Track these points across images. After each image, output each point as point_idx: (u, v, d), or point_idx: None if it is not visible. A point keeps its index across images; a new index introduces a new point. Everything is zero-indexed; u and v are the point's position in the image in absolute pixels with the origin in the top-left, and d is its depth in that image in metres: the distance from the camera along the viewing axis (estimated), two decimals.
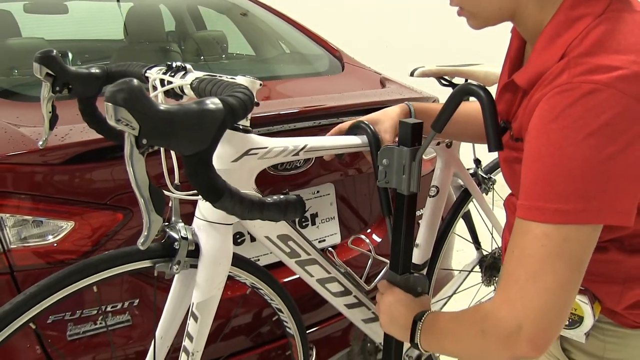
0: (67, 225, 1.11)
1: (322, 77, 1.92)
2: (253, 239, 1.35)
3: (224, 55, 2.36)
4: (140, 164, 0.60)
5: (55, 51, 0.96)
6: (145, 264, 0.92)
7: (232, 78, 0.81)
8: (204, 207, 0.93)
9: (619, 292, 0.83)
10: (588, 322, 0.84)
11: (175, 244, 0.91)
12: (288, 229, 1.03)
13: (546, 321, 0.69)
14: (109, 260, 0.89)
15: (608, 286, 0.83)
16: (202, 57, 2.32)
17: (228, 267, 0.95)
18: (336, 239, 1.48)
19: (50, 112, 1.00)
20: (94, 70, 1.00)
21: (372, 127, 1.04)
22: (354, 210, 1.54)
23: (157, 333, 1.00)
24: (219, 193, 0.66)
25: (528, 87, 0.76)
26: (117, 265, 0.89)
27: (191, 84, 0.82)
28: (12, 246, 1.08)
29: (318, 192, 1.45)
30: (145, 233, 0.63)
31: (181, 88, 0.86)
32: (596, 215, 0.67)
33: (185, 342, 0.96)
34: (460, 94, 0.83)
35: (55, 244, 1.11)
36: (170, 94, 0.92)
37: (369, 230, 1.53)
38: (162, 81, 0.89)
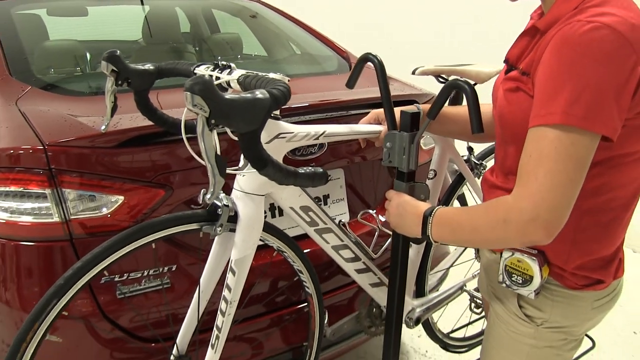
0: (118, 200, 1.30)
1: (331, 76, 2.11)
2: (282, 213, 1.55)
3: (239, 56, 2.55)
4: (209, 138, 0.79)
5: (119, 51, 1.15)
6: (194, 226, 1.11)
7: (266, 75, 1.00)
8: (241, 180, 1.12)
9: (567, 251, 0.98)
10: (536, 281, 0.98)
11: (218, 210, 1.10)
12: (309, 202, 1.22)
13: (559, 211, 0.84)
14: (165, 222, 1.08)
15: (559, 245, 0.95)
16: (219, 58, 2.51)
17: (260, 231, 1.15)
18: (345, 218, 1.67)
19: (112, 102, 1.19)
20: (148, 67, 1.19)
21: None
22: (361, 193, 1.73)
23: (200, 287, 1.19)
24: (265, 163, 0.85)
25: (545, 29, 0.92)
26: (171, 226, 1.08)
27: (238, 79, 1.00)
28: (72, 217, 1.27)
29: (329, 176, 1.63)
30: (212, 190, 0.82)
31: (228, 82, 1.04)
32: (595, 124, 0.82)
33: (225, 292, 1.16)
34: (449, 88, 1.05)
35: (108, 215, 1.29)
36: (218, 87, 1.11)
37: (374, 212, 1.71)
38: (210, 77, 1.08)
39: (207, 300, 1.22)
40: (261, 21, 2.76)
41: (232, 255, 1.14)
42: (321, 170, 0.92)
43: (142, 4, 2.40)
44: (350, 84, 1.33)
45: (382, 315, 1.57)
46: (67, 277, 1.02)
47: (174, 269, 1.37)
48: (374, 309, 1.56)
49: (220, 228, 1.11)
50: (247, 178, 1.13)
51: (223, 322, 1.18)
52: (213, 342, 1.19)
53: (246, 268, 1.16)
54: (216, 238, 1.18)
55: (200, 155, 0.83)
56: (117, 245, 1.04)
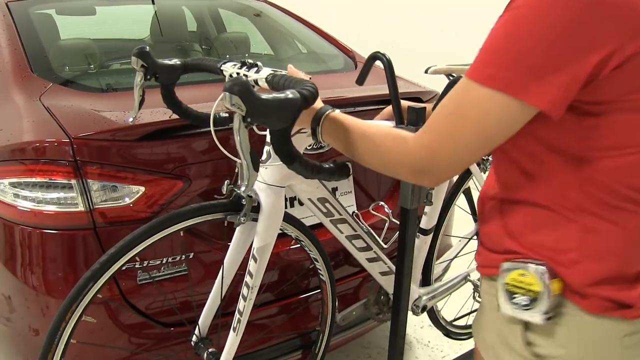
0: (139, 190, 1.36)
1: (338, 74, 2.18)
2: (301, 204, 1.62)
3: (247, 55, 2.61)
4: (244, 135, 0.86)
5: (148, 47, 1.21)
6: (219, 215, 1.18)
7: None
8: (264, 173, 1.19)
9: (576, 258, 0.82)
10: (544, 298, 0.82)
11: (242, 200, 1.17)
12: (326, 194, 1.30)
13: (451, 171, 0.81)
14: (193, 211, 1.15)
15: (565, 248, 0.83)
16: (227, 56, 2.58)
17: (280, 221, 1.22)
18: (353, 209, 1.73)
19: (140, 96, 1.26)
20: (175, 62, 1.25)
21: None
22: (367, 186, 1.80)
23: (220, 273, 1.26)
24: (294, 158, 0.92)
25: None
26: (199, 215, 1.15)
27: (266, 78, 1.04)
28: (95, 207, 1.34)
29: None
30: (246, 183, 0.89)
31: (256, 81, 1.08)
32: (522, 89, 0.72)
33: (247, 278, 1.23)
34: (454, 84, 1.11)
35: (130, 205, 1.36)
36: None
37: (381, 203, 1.78)
38: (238, 74, 1.12)
39: (228, 285, 1.29)
40: (267, 20, 2.82)
41: (255, 243, 1.21)
42: (343, 163, 0.99)
43: (153, 3, 2.46)
44: (360, 82, 1.40)
45: (390, 303, 1.64)
46: (103, 261, 1.09)
47: (191, 256, 1.44)
48: (382, 297, 1.63)
49: (244, 217, 1.18)
50: (269, 171, 1.20)
51: (245, 306, 1.25)
52: (235, 325, 1.27)
53: (267, 255, 1.23)
54: (238, 227, 1.25)
55: (231, 149, 0.89)
56: (149, 232, 1.11)
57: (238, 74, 1.13)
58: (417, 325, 2.50)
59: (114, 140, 1.34)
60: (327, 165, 0.98)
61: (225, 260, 1.28)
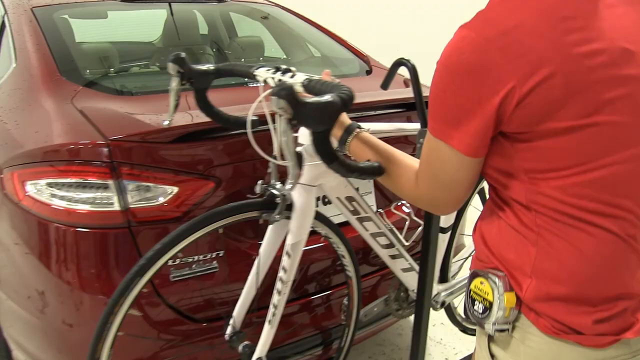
0: (173, 190, 1.41)
1: (355, 78, 2.23)
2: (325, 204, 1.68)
3: (261, 58, 2.66)
4: (289, 136, 0.91)
5: (184, 54, 1.26)
6: (255, 213, 1.23)
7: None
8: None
9: (526, 271, 0.85)
10: (494, 310, 0.85)
11: (276, 199, 1.22)
12: (353, 192, 1.35)
13: (453, 206, 0.90)
14: (231, 210, 1.21)
15: (518, 257, 0.86)
16: (242, 60, 2.63)
17: (312, 218, 1.27)
18: (374, 209, 1.79)
19: (176, 100, 1.31)
20: (208, 67, 1.31)
21: None
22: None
23: (254, 268, 1.31)
24: (333, 158, 0.97)
25: None
26: (236, 213, 1.21)
27: (302, 83, 1.08)
28: (130, 206, 1.39)
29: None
30: (292, 180, 0.94)
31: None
32: (448, 136, 0.81)
33: (281, 274, 1.28)
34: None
35: (163, 205, 1.41)
36: None
37: (399, 203, 1.83)
38: (273, 79, 1.17)
39: (261, 280, 1.34)
40: (278, 24, 2.87)
41: (288, 240, 1.26)
42: (377, 164, 1.04)
43: (170, 8, 2.51)
44: (385, 86, 1.46)
45: (409, 299, 1.69)
46: (149, 257, 1.14)
47: (221, 254, 1.49)
48: (402, 293, 1.68)
49: (278, 215, 1.23)
50: (303, 170, 1.26)
51: (279, 300, 1.30)
52: (270, 318, 1.32)
53: (299, 252, 1.28)
54: (271, 225, 1.30)
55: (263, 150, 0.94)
56: (192, 229, 1.17)
57: (273, 78, 1.18)
58: (430, 324, 2.54)
59: (149, 142, 1.39)
60: (362, 165, 1.03)
61: (259, 256, 1.33)
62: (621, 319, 0.83)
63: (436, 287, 1.71)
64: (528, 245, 0.84)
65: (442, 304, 1.70)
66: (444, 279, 1.78)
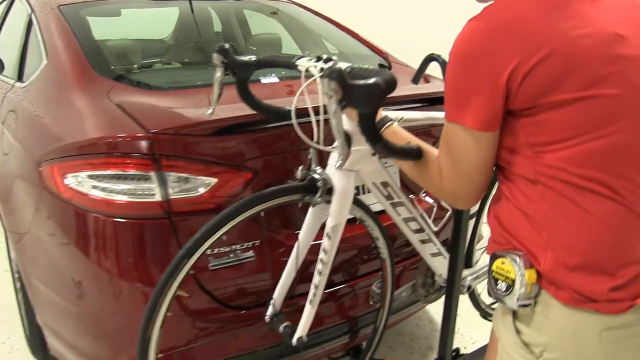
0: (212, 181, 1.46)
1: None
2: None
3: (280, 54, 2.70)
4: (340, 117, 0.97)
5: (228, 45, 1.30)
6: (297, 197, 1.28)
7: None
8: (336, 157, 1.28)
9: (542, 244, 0.92)
10: (517, 287, 0.91)
11: (317, 183, 1.27)
12: (387, 178, 1.41)
13: (476, 196, 0.98)
14: (274, 193, 1.26)
15: (532, 235, 0.93)
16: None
17: (351, 202, 1.32)
18: None
19: (220, 90, 1.35)
20: (249, 58, 1.35)
21: None
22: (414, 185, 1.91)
23: (294, 251, 1.37)
24: (378, 139, 1.03)
25: None
26: (281, 196, 1.26)
27: (346, 70, 1.11)
28: (171, 197, 1.43)
29: (386, 162, 1.80)
30: (342, 157, 0.99)
31: None
32: (461, 117, 0.90)
33: (321, 255, 1.33)
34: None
35: (202, 196, 1.45)
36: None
37: (424, 194, 1.88)
38: (315, 67, 1.20)
39: (301, 262, 1.39)
40: (294, 21, 2.90)
41: (328, 222, 1.31)
42: (417, 147, 1.08)
43: (191, 5, 2.54)
44: (416, 81, 1.50)
45: (435, 285, 1.75)
46: (196, 239, 1.19)
47: (257, 243, 1.53)
48: (429, 279, 1.73)
49: (320, 198, 1.28)
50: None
51: (319, 280, 1.36)
52: (311, 298, 1.37)
53: (339, 234, 1.33)
54: (311, 209, 1.35)
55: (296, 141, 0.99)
56: (236, 212, 1.22)
57: (315, 67, 1.21)
58: None
59: (189, 134, 1.43)
60: (404, 146, 1.08)
61: (299, 240, 1.39)
62: (635, 285, 0.90)
63: (463, 273, 1.75)
64: (539, 219, 0.91)
65: (468, 288, 1.76)
66: (468, 264, 1.83)
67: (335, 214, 1.31)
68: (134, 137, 1.41)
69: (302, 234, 1.39)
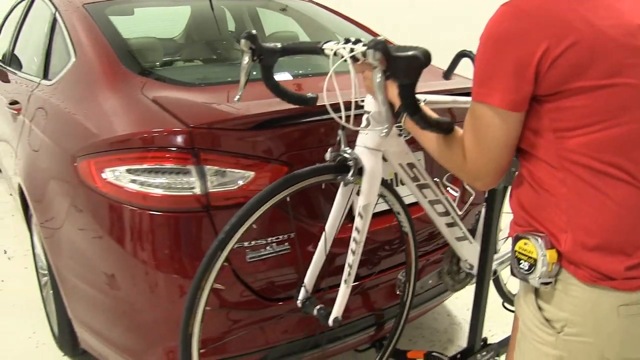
0: (250, 175, 1.48)
1: None
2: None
3: None
4: (382, 86, 1.02)
5: (255, 32, 1.33)
6: (330, 176, 1.32)
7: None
8: (364, 138, 1.33)
9: (562, 226, 0.97)
10: (539, 265, 0.97)
11: (348, 162, 1.31)
12: (413, 159, 1.46)
13: (497, 176, 1.02)
14: (308, 173, 1.30)
15: (554, 215, 0.98)
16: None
17: (380, 181, 1.37)
18: None
19: (247, 76, 1.37)
20: (275, 45, 1.37)
21: None
22: (437, 173, 1.93)
23: (326, 229, 1.41)
24: (417, 109, 1.07)
25: None
26: (315, 176, 1.30)
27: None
28: (210, 190, 1.46)
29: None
30: (387, 126, 1.04)
31: (364, 53, 1.15)
32: (493, 98, 0.94)
33: (354, 234, 1.37)
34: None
35: (240, 189, 1.48)
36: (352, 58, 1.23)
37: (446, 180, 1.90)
38: (344, 49, 1.20)
39: (331, 241, 1.42)
40: (308, 19, 2.93)
41: (360, 202, 1.35)
42: (450, 120, 1.11)
43: (211, 5, 2.57)
44: (447, 76, 1.54)
45: (460, 271, 1.78)
46: (227, 230, 1.22)
47: (292, 236, 1.56)
48: (454, 266, 1.77)
49: (352, 177, 1.31)
50: (369, 136, 1.34)
51: (353, 260, 1.39)
52: (345, 278, 1.40)
53: (370, 213, 1.37)
54: (340, 189, 1.39)
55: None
56: (269, 195, 1.25)
57: (344, 49, 1.21)
58: (463, 308, 2.63)
59: (227, 128, 1.46)
60: (439, 119, 1.12)
61: (328, 221, 1.42)
62: None
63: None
64: (560, 202, 0.97)
65: (494, 273, 1.78)
66: (494, 249, 1.85)
67: (365, 193, 1.34)
68: (174, 132, 1.43)
69: (331, 215, 1.42)
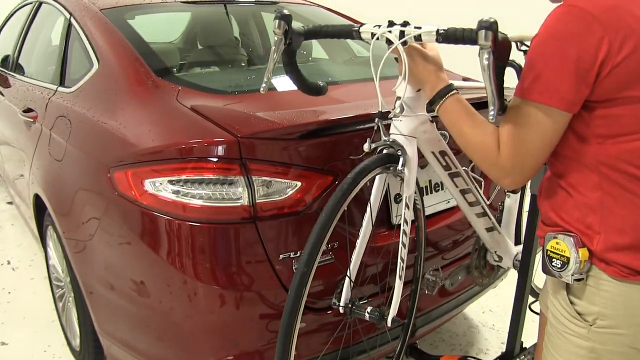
0: (297, 185, 1.47)
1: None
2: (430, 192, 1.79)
3: (310, 58, 2.71)
4: (490, 68, 1.03)
5: (287, 11, 1.29)
6: (380, 169, 1.31)
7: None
8: (400, 125, 1.32)
9: (595, 227, 1.01)
10: (572, 263, 1.02)
11: (398, 151, 1.30)
12: (445, 147, 1.45)
13: (531, 175, 1.03)
14: (377, 161, 1.28)
15: (586, 218, 1.02)
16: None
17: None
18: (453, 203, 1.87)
19: (275, 62, 1.32)
20: (300, 28, 1.34)
21: None
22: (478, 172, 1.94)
23: (365, 222, 1.39)
24: (503, 93, 1.08)
25: None
26: (377, 167, 1.28)
27: (437, 31, 1.15)
28: (257, 200, 1.44)
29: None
30: (492, 107, 1.04)
31: (419, 35, 1.17)
32: (551, 98, 0.95)
33: (404, 227, 1.35)
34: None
35: (286, 199, 1.46)
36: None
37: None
38: (390, 32, 1.20)
39: (371, 231, 1.39)
40: (317, 23, 2.90)
41: (405, 192, 1.33)
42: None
43: (226, 9, 2.53)
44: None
45: (487, 265, 1.79)
46: (317, 232, 1.21)
47: (335, 245, 1.55)
48: (481, 261, 1.78)
49: (402, 167, 1.29)
50: (404, 122, 1.32)
51: (405, 253, 1.35)
52: (400, 273, 1.37)
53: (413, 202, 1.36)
54: (377, 180, 1.35)
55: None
56: (351, 185, 1.23)
57: (390, 32, 1.20)
58: (479, 311, 2.66)
59: (275, 138, 1.44)
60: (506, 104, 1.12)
61: (366, 216, 1.38)
62: None
63: (514, 249, 1.79)
64: (593, 204, 1.01)
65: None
66: (517, 240, 1.86)
67: (410, 182, 1.32)
68: (221, 142, 1.41)
69: (369, 210, 1.37)
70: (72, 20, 2.17)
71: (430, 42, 1.20)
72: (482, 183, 1.73)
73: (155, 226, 1.48)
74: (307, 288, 1.22)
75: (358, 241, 1.41)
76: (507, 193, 1.87)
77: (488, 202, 1.65)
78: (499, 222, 1.84)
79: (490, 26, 1.02)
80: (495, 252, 1.74)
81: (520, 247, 1.82)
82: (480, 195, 1.60)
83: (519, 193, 1.86)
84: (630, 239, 0.99)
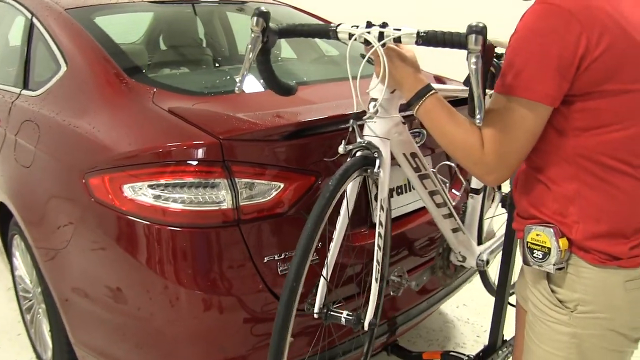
0: (280, 186, 1.45)
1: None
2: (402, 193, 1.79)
3: (279, 58, 2.69)
4: (479, 72, 1.03)
5: (265, 8, 1.27)
6: (358, 172, 1.28)
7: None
8: (374, 126, 1.31)
9: (573, 217, 1.05)
10: (554, 253, 1.05)
11: (374, 153, 1.29)
12: (416, 149, 1.46)
13: (513, 170, 1.06)
14: (355, 164, 1.26)
15: (563, 216, 1.06)
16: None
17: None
18: None
19: (251, 61, 1.29)
20: (274, 26, 1.32)
21: None
22: (441, 174, 1.97)
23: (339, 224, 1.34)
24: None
25: None
26: (355, 170, 1.26)
27: (418, 33, 1.14)
28: (241, 203, 1.42)
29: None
30: (479, 111, 1.03)
31: (399, 37, 1.17)
32: (534, 93, 0.97)
33: (379, 229, 1.33)
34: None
35: (269, 201, 1.45)
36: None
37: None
38: (369, 33, 1.19)
39: (346, 229, 1.34)
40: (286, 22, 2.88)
41: (380, 194, 1.32)
42: None
43: (194, 9, 2.49)
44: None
45: (450, 267, 1.82)
46: (304, 243, 1.18)
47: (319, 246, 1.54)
48: (444, 261, 1.81)
49: (378, 169, 1.28)
50: (378, 124, 1.32)
51: (381, 256, 1.34)
52: (376, 275, 1.33)
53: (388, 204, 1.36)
54: (350, 187, 1.31)
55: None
56: (333, 193, 1.20)
57: (369, 33, 1.19)
58: (453, 306, 2.70)
59: (257, 140, 1.43)
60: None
61: (340, 219, 1.33)
62: None
63: (478, 248, 1.82)
64: (571, 195, 1.05)
65: (487, 262, 1.81)
66: (480, 240, 1.90)
67: (384, 184, 1.32)
68: (203, 144, 1.38)
69: (343, 212, 1.32)
70: (35, 21, 2.08)
71: (409, 44, 1.20)
72: (447, 184, 1.75)
73: (135, 231, 1.44)
74: (297, 301, 1.19)
75: (332, 243, 1.36)
76: (470, 194, 1.89)
77: (454, 203, 1.67)
78: (463, 222, 1.86)
79: (481, 31, 1.02)
80: (460, 252, 1.76)
81: (482, 247, 1.87)
82: (447, 196, 1.62)
83: (481, 194, 1.89)
84: (607, 227, 1.04)
